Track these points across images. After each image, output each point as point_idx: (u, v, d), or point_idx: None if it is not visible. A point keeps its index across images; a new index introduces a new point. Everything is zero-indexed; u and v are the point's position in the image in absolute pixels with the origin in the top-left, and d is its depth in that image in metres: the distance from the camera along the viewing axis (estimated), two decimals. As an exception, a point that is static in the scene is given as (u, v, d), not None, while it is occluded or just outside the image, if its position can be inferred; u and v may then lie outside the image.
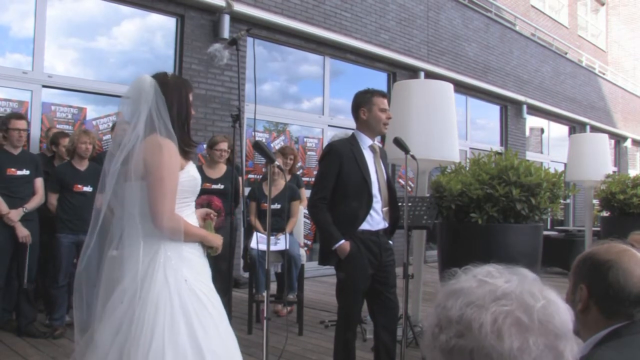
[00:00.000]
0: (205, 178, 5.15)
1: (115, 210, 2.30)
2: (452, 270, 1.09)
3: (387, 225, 3.58)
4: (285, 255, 5.29)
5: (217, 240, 2.48)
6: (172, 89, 2.35)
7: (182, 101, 2.38)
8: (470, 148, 11.89)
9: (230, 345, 2.32)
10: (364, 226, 3.43)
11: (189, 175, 2.38)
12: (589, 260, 1.65)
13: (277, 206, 5.58)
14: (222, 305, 2.39)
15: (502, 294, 0.97)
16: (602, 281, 1.59)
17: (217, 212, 2.75)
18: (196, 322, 2.19)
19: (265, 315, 2.95)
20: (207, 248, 2.46)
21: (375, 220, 3.48)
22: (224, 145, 5.35)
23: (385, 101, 3.56)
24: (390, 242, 3.65)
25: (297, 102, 9.45)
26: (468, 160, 5.55)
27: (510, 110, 13.38)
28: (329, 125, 9.22)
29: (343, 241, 3.36)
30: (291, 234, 5.64)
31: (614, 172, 10.24)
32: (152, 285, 2.19)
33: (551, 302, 0.97)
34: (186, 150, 2.40)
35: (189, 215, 2.41)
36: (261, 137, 8.19)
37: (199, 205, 2.80)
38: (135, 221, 2.26)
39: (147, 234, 2.26)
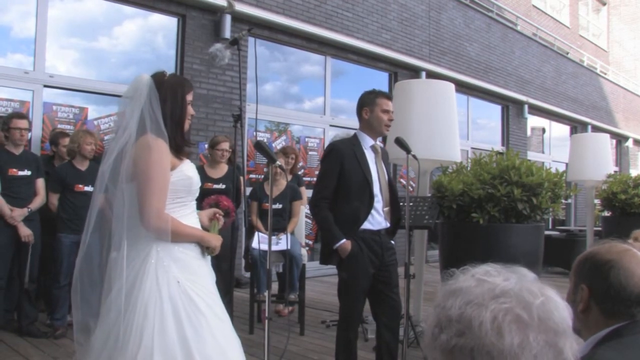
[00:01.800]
0: (206, 178, 5.15)
1: (112, 212, 2.29)
2: (450, 270, 1.09)
3: (388, 225, 3.58)
4: (287, 255, 5.29)
5: (214, 240, 2.44)
6: (167, 87, 2.34)
7: (177, 100, 2.36)
8: (472, 148, 11.88)
9: (227, 347, 2.28)
10: (366, 226, 3.43)
11: (183, 175, 2.36)
12: (589, 261, 1.64)
13: (278, 206, 5.58)
14: (223, 307, 2.36)
15: (501, 292, 0.97)
16: (603, 281, 1.58)
17: (226, 211, 2.72)
18: (187, 324, 2.16)
19: (266, 315, 2.94)
20: (205, 248, 2.43)
21: (377, 220, 3.48)
22: (225, 145, 5.35)
23: (389, 103, 3.56)
24: (392, 242, 3.65)
25: (299, 102, 9.46)
26: (469, 160, 5.55)
27: (512, 110, 13.37)
28: (331, 125, 9.22)
29: (344, 240, 3.36)
30: (292, 233, 5.65)
31: (615, 172, 10.23)
32: (143, 286, 2.17)
33: (550, 298, 0.98)
34: (180, 149, 2.39)
35: (187, 215, 2.38)
36: (262, 137, 8.19)
37: (207, 205, 2.79)
38: (124, 223, 2.24)
39: (138, 235, 2.25)
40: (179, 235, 2.29)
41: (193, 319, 2.19)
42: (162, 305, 2.16)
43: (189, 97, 2.43)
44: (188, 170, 2.41)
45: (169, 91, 2.34)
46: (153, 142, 2.23)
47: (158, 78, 2.36)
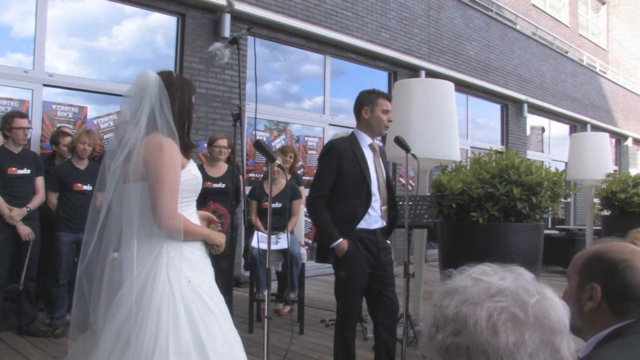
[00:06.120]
0: (206, 177, 5.14)
1: (114, 211, 2.28)
2: (447, 271, 1.10)
3: (384, 224, 3.58)
4: (286, 254, 5.30)
5: (221, 238, 2.47)
6: (176, 87, 2.34)
7: (185, 101, 2.37)
8: (471, 147, 11.89)
9: (234, 345, 2.31)
10: (362, 225, 3.43)
11: (190, 174, 2.37)
12: (601, 259, 1.61)
13: (278, 205, 5.58)
14: (225, 305, 2.38)
15: (497, 291, 0.97)
16: (619, 280, 1.55)
17: (220, 222, 2.71)
18: (200, 323, 2.18)
19: (266, 314, 2.94)
20: (210, 247, 2.45)
21: (373, 218, 3.48)
22: (223, 142, 5.35)
23: (389, 104, 3.57)
24: (388, 241, 3.65)
25: (298, 101, 9.46)
26: (469, 159, 5.55)
27: (511, 109, 13.37)
28: (330, 125, 9.22)
29: (341, 240, 3.37)
30: (292, 233, 5.65)
31: (615, 171, 10.24)
32: (155, 287, 2.17)
33: (546, 297, 0.98)
34: (187, 149, 2.39)
35: (191, 214, 2.40)
36: (262, 136, 8.19)
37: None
38: (134, 223, 2.23)
39: (148, 235, 2.24)
40: (189, 234, 2.30)
41: (205, 317, 2.20)
42: (175, 305, 2.16)
43: (193, 99, 2.45)
44: (194, 169, 2.43)
45: (178, 91, 2.35)
46: (164, 141, 2.22)
47: (166, 77, 2.35)
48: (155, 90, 2.28)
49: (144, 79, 2.31)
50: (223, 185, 5.27)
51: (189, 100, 2.40)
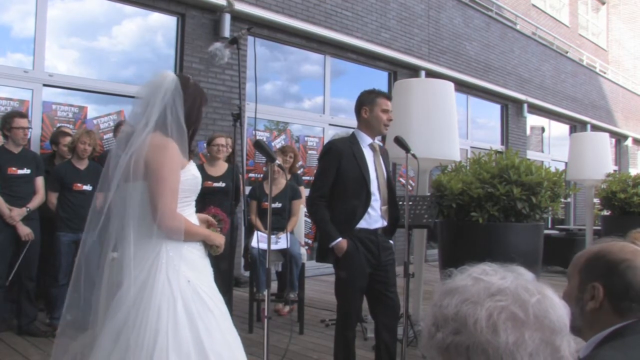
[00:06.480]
0: (206, 176, 5.15)
1: (114, 210, 2.28)
2: (448, 270, 1.10)
3: (385, 223, 3.57)
4: (286, 254, 5.29)
5: (220, 239, 2.48)
6: (190, 92, 2.38)
7: (194, 108, 2.41)
8: (471, 147, 11.89)
9: (233, 345, 2.32)
10: (361, 224, 3.43)
11: (190, 174, 2.38)
12: (602, 259, 1.60)
13: (278, 205, 5.58)
14: (225, 304, 2.39)
15: (497, 290, 0.97)
16: (620, 280, 1.55)
17: (220, 226, 2.72)
18: (200, 323, 2.18)
19: (266, 314, 2.95)
20: (209, 247, 2.46)
21: (373, 218, 3.48)
22: (221, 141, 5.35)
23: (389, 103, 3.57)
24: (391, 241, 3.65)
25: (298, 101, 9.46)
26: (469, 159, 5.55)
27: (511, 109, 13.37)
28: (330, 125, 9.22)
29: (340, 239, 3.37)
30: (292, 233, 5.65)
31: (615, 171, 10.24)
32: (155, 287, 2.17)
33: (546, 297, 0.98)
34: (189, 151, 2.41)
35: (190, 214, 2.41)
36: (262, 136, 8.19)
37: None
38: (134, 223, 2.24)
39: (147, 235, 2.24)
40: (189, 235, 2.31)
41: (204, 317, 2.21)
42: (175, 305, 2.17)
43: (203, 110, 2.49)
44: (194, 169, 2.45)
45: (190, 97, 2.39)
46: (167, 142, 2.25)
47: (184, 80, 2.39)
48: (171, 89, 2.31)
49: (161, 77, 2.34)
50: (223, 185, 5.27)
51: (198, 109, 2.44)
